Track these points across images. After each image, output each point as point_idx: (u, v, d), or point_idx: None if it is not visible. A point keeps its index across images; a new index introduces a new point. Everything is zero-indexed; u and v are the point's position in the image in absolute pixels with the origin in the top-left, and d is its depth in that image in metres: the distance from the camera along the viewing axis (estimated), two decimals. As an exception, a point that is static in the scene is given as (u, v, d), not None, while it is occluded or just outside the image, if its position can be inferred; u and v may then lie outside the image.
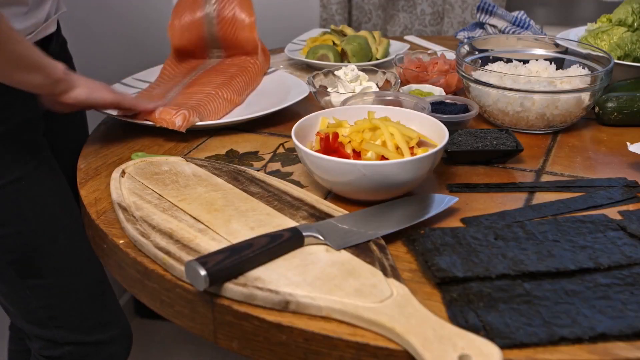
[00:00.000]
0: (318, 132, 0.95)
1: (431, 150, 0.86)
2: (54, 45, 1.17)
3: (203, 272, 0.68)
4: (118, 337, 1.23)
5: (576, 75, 1.10)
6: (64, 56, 1.26)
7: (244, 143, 1.10)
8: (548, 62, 1.19)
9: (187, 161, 0.98)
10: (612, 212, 0.87)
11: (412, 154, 0.89)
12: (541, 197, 0.92)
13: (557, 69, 1.19)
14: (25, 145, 1.07)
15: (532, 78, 1.09)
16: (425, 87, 1.23)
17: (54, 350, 1.19)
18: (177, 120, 1.08)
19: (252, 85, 1.30)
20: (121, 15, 1.87)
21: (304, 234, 0.76)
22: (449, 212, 0.87)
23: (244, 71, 1.30)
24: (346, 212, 0.84)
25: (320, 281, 0.70)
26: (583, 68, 1.18)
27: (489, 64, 1.23)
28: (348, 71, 1.23)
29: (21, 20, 1.05)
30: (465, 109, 1.13)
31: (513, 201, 0.91)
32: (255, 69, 1.32)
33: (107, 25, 1.79)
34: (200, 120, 1.11)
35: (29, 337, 1.21)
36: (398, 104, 1.10)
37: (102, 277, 1.21)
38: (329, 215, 0.83)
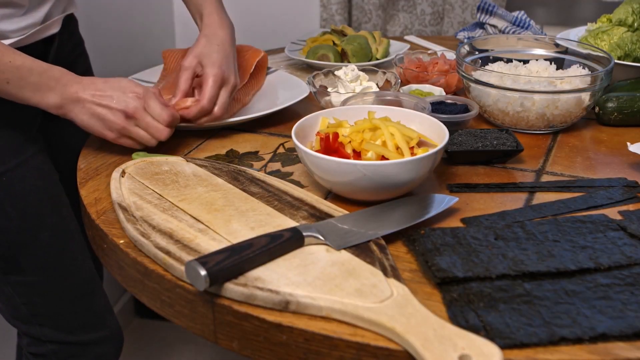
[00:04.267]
0: (318, 132, 0.95)
1: (431, 150, 0.86)
2: (59, 45, 1.17)
3: (203, 272, 0.68)
4: (105, 339, 1.21)
5: (576, 75, 1.10)
6: (75, 55, 1.25)
7: (244, 143, 1.10)
8: (548, 62, 1.19)
9: (187, 161, 0.98)
10: (612, 212, 0.87)
11: (412, 154, 0.89)
12: (541, 197, 0.92)
13: (557, 69, 1.19)
14: (12, 142, 1.06)
15: (532, 78, 1.09)
16: (425, 87, 1.23)
17: (39, 348, 1.19)
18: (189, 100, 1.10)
19: (258, 85, 1.30)
20: (121, 15, 1.87)
21: (304, 234, 0.76)
22: (449, 212, 0.87)
23: (247, 70, 1.30)
24: (346, 212, 0.84)
25: (321, 281, 0.70)
26: (583, 68, 1.18)
27: (489, 64, 1.23)
28: (348, 71, 1.23)
29: (16, 21, 1.05)
30: (465, 109, 1.13)
31: (513, 201, 0.91)
32: (258, 67, 1.33)
33: (107, 25, 1.79)
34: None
35: (18, 333, 1.22)
36: (398, 104, 1.10)
37: (90, 278, 1.19)
38: (329, 215, 0.83)
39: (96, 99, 0.98)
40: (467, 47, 1.24)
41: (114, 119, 0.98)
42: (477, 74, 1.14)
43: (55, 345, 1.18)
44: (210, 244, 0.77)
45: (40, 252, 1.11)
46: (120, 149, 1.08)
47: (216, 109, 1.09)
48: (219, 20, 1.17)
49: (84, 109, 0.98)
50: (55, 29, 1.14)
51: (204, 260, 0.69)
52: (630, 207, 0.89)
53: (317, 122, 0.97)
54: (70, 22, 1.22)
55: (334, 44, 1.51)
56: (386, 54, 1.49)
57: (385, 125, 0.91)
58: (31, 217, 1.09)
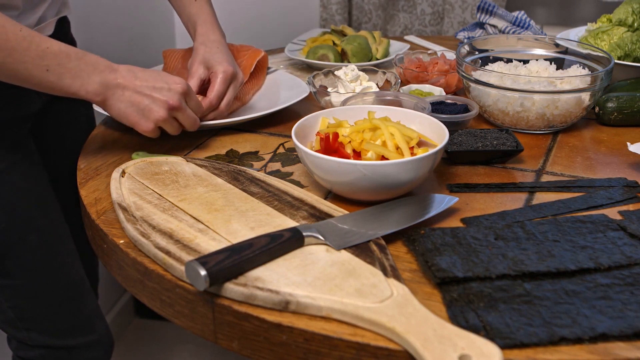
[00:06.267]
0: (318, 132, 0.95)
1: (431, 150, 0.86)
2: None
3: (203, 272, 0.68)
4: (94, 344, 1.20)
5: (576, 75, 1.10)
6: None
7: (244, 143, 1.10)
8: (548, 62, 1.19)
9: (187, 161, 0.98)
10: (612, 212, 0.87)
11: (412, 154, 0.89)
12: (541, 197, 0.92)
13: (557, 69, 1.19)
14: (1, 144, 1.06)
15: (532, 78, 1.09)
16: (425, 87, 1.23)
17: (26, 352, 1.18)
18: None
19: (258, 85, 1.31)
20: (121, 15, 1.88)
21: (304, 234, 0.76)
22: (449, 212, 0.87)
23: (247, 70, 1.30)
24: (346, 212, 0.84)
25: (321, 281, 0.70)
26: (583, 68, 1.18)
27: (489, 64, 1.23)
28: (348, 71, 1.23)
29: None
30: (465, 109, 1.13)
31: (513, 201, 0.91)
32: (258, 66, 1.33)
33: (107, 24, 1.79)
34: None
35: (7, 337, 1.21)
36: (398, 104, 1.10)
37: (80, 281, 1.18)
38: (329, 215, 0.83)
39: (138, 88, 0.96)
40: (467, 47, 1.24)
41: (157, 110, 0.97)
42: (477, 74, 1.14)
43: (43, 349, 1.17)
44: (210, 244, 0.77)
45: (28, 254, 1.10)
46: (120, 149, 1.08)
47: (222, 104, 1.12)
48: (212, 27, 1.20)
49: (123, 96, 0.96)
50: (48, 32, 1.13)
51: (204, 260, 0.69)
52: (630, 207, 0.89)
53: (317, 122, 0.97)
54: (63, 24, 1.22)
55: (334, 44, 1.51)
56: (386, 54, 1.49)
57: (385, 125, 0.91)
58: (19, 220, 1.08)
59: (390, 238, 0.80)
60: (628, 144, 1.00)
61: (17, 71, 0.91)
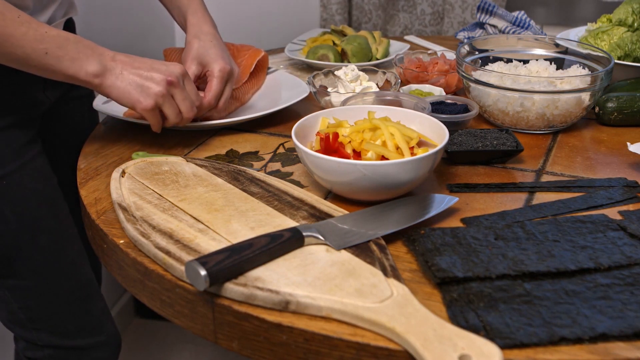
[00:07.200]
0: (318, 132, 0.95)
1: (431, 150, 0.86)
2: None
3: (203, 272, 0.68)
4: (102, 344, 1.20)
5: (576, 75, 1.10)
6: None
7: (244, 143, 1.10)
8: (548, 62, 1.19)
9: (187, 161, 0.98)
10: (612, 212, 0.87)
11: (412, 154, 0.89)
12: (541, 197, 0.92)
13: (557, 69, 1.19)
14: (11, 145, 1.06)
15: (532, 78, 1.09)
16: (425, 87, 1.23)
17: (35, 352, 1.18)
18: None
19: (257, 85, 1.31)
20: (121, 15, 1.88)
21: (304, 234, 0.76)
22: (449, 212, 0.87)
23: (247, 69, 1.30)
24: (346, 212, 0.84)
25: (321, 281, 0.70)
26: (583, 68, 1.18)
27: (489, 64, 1.23)
28: (348, 71, 1.23)
29: None
30: (465, 109, 1.13)
31: (513, 201, 0.91)
32: (258, 66, 1.33)
33: (107, 24, 1.79)
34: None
35: (15, 338, 1.21)
36: (398, 104, 1.10)
37: (88, 282, 1.18)
38: (329, 215, 0.83)
39: (137, 68, 0.98)
40: (467, 47, 1.24)
41: (155, 86, 0.98)
42: (477, 74, 1.14)
43: (52, 350, 1.17)
44: (210, 244, 0.77)
45: (38, 255, 1.10)
46: (120, 149, 1.08)
47: (220, 103, 1.13)
48: (203, 18, 1.19)
49: (122, 75, 0.98)
50: None
51: (204, 260, 0.69)
52: (630, 207, 0.89)
53: (317, 122, 0.97)
54: (69, 25, 1.22)
55: (334, 44, 1.51)
56: (386, 54, 1.49)
57: (385, 125, 0.91)
58: (29, 221, 1.08)
59: (390, 238, 0.80)
60: (628, 144, 1.00)
61: (16, 55, 0.92)
